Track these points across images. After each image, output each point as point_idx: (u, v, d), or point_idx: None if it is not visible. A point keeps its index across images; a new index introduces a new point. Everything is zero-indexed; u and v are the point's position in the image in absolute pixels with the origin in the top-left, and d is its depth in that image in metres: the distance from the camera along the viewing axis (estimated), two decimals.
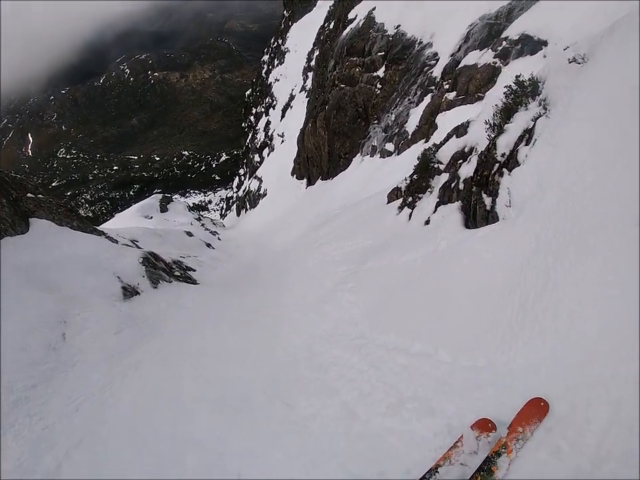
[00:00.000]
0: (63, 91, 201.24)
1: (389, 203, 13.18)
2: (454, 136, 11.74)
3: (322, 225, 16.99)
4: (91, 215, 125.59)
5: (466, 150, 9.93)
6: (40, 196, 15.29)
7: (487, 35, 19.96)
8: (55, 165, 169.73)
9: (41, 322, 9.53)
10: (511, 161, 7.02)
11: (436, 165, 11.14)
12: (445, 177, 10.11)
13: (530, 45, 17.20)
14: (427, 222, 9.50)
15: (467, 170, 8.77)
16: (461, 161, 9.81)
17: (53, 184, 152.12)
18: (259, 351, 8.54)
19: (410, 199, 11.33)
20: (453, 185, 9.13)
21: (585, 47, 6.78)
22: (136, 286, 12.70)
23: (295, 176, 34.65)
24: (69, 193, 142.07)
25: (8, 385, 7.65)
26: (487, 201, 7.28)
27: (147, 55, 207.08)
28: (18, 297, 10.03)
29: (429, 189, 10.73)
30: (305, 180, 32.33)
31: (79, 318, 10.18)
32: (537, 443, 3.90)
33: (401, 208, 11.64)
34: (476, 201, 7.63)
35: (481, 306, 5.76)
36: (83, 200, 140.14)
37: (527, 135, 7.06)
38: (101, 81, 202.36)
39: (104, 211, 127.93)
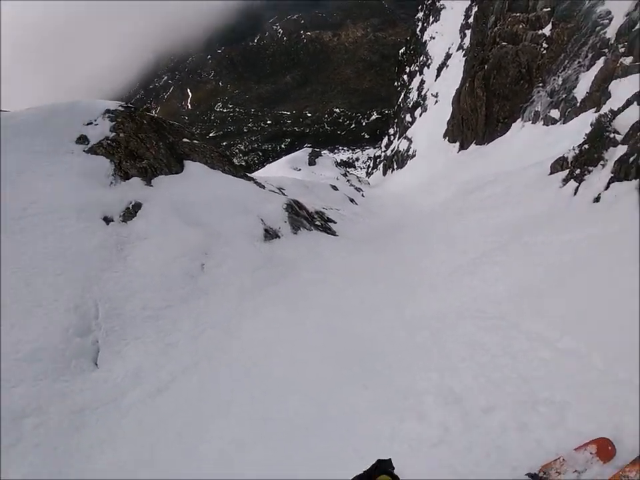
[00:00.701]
0: (220, 51, 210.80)
1: (551, 174, 11.82)
2: (635, 102, 10.08)
3: (472, 191, 15.88)
4: (243, 163, 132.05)
5: None
6: (195, 141, 16.03)
7: None
8: (212, 118, 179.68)
9: (184, 252, 9.94)
10: None
11: (612, 135, 9.64)
12: (622, 150, 8.69)
13: None
14: (597, 199, 8.33)
15: None
16: None
17: (210, 134, 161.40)
18: (389, 312, 8.17)
19: (577, 171, 9.98)
20: (632, 159, 7.81)
21: None
22: (277, 230, 12.90)
23: (447, 138, 33.01)
24: (224, 143, 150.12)
25: (142, 303, 8.07)
26: None
27: (298, 15, 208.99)
28: (165, 228, 10.56)
29: (602, 162, 9.32)
30: (457, 143, 30.64)
31: (219, 252, 10.48)
32: None
33: (565, 180, 10.31)
34: None
35: None
36: (237, 150, 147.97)
37: None
38: (255, 40, 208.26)
39: (256, 161, 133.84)
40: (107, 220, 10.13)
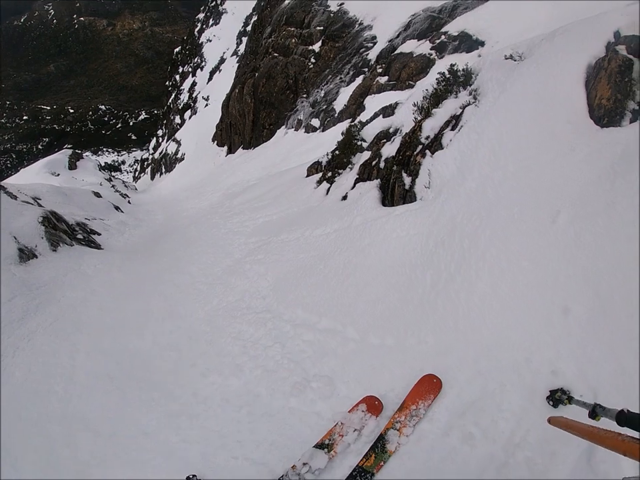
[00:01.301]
0: None
1: (307, 176, 12.99)
2: (380, 116, 11.70)
3: (238, 194, 16.56)
4: (4, 167, 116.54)
5: (391, 130, 9.91)
6: None
7: (427, 27, 20.29)
8: None
9: None
10: (435, 144, 7.03)
11: (359, 143, 11.06)
12: (366, 155, 10.13)
13: (467, 43, 17.71)
14: (344, 197, 9.46)
15: (389, 150, 8.78)
16: (384, 140, 9.79)
17: None
18: (160, 324, 8.05)
19: (329, 173, 11.26)
20: (374, 163, 9.13)
21: (523, 47, 7.00)
22: (34, 248, 11.66)
23: (215, 142, 33.49)
24: None
25: None
26: (407, 180, 7.30)
27: None
28: None
29: (350, 166, 10.68)
30: (225, 147, 31.32)
31: None
32: (447, 428, 3.89)
33: (319, 182, 11.58)
34: (395, 179, 7.59)
35: (393, 284, 5.74)
36: None
37: (454, 121, 7.13)
38: (22, 20, 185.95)
39: (9, 165, 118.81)
40: None
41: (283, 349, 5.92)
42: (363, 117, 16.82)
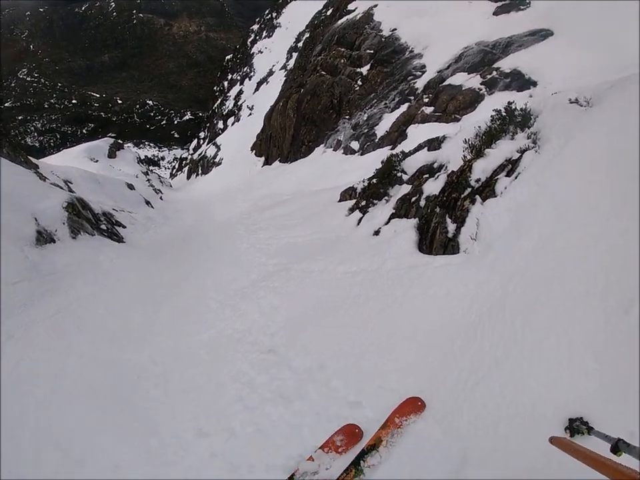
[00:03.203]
0: (41, 9, 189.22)
1: (340, 201, 12.42)
2: (425, 148, 11.06)
3: (267, 208, 16.11)
4: (37, 145, 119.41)
5: (435, 166, 9.20)
6: None
7: (479, 61, 19.81)
8: (13, 85, 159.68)
9: None
10: (487, 190, 6.33)
11: (399, 174, 10.42)
12: (406, 189, 9.42)
13: (519, 82, 17.25)
14: (377, 233, 8.77)
15: (432, 187, 8.05)
16: (427, 175, 9.09)
17: (6, 104, 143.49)
18: (162, 339, 7.49)
19: (364, 202, 10.63)
20: (413, 199, 8.44)
21: (589, 92, 6.27)
22: (53, 232, 11.35)
23: (254, 152, 33.41)
24: (19, 117, 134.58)
25: None
26: (451, 227, 6.61)
27: None
28: None
29: (386, 197, 10.04)
30: (263, 158, 31.19)
31: None
32: None
33: (351, 210, 10.94)
34: (437, 223, 6.88)
35: (423, 356, 4.96)
36: (32, 127, 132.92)
37: (510, 166, 6.38)
38: (83, 8, 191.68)
39: (52, 144, 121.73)
40: None
41: (284, 407, 5.14)
42: (405, 145, 16.32)
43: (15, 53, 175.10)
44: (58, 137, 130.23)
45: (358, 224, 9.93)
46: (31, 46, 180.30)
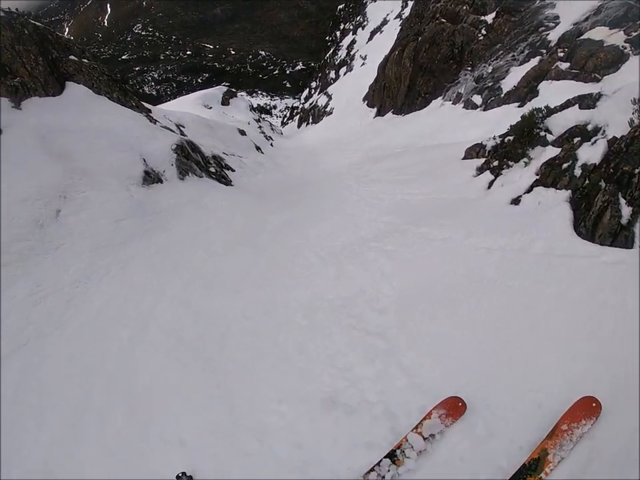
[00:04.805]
0: None
1: (465, 158, 11.02)
2: (576, 105, 9.28)
3: (380, 160, 15.00)
4: (154, 93, 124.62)
5: (589, 128, 7.58)
6: (84, 60, 13.96)
7: (622, 15, 17.18)
8: (129, 39, 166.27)
9: (39, 193, 8.33)
10: None
11: (542, 133, 8.79)
12: (552, 152, 7.78)
13: None
14: (516, 201, 7.26)
15: (589, 154, 6.47)
16: (579, 139, 7.50)
17: (123, 57, 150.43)
18: (257, 289, 6.90)
19: (495, 162, 9.07)
20: (565, 165, 6.85)
21: None
22: (161, 173, 11.32)
23: (366, 102, 32.15)
24: (137, 68, 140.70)
25: None
26: (625, 210, 5.09)
27: None
28: (23, 160, 8.88)
29: (525, 160, 8.41)
30: (375, 109, 29.89)
31: (81, 196, 8.93)
32: None
33: (480, 170, 9.31)
34: (607, 203, 5.30)
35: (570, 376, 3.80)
36: (149, 77, 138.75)
37: None
38: None
39: (168, 92, 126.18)
40: None
41: (388, 420, 3.97)
42: (537, 103, 14.54)
43: (128, 9, 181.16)
44: (174, 85, 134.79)
45: (489, 187, 8.42)
46: (144, 2, 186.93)
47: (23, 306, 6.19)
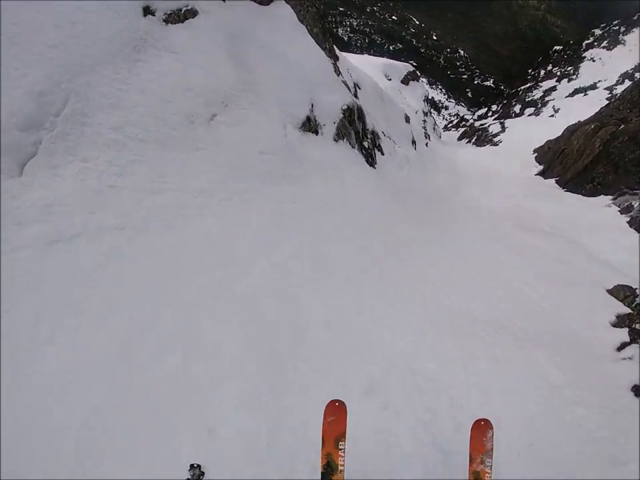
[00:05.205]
0: None
1: (610, 292, 8.91)
2: None
3: (528, 229, 13.23)
4: (345, 39, 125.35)
5: None
6: None
7: None
8: None
9: (204, 88, 8.02)
10: None
11: None
12: None
13: None
14: (637, 390, 5.69)
15: None
16: None
17: None
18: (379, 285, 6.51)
19: (638, 325, 7.31)
20: None
21: None
22: (320, 125, 10.97)
23: (535, 154, 30.00)
24: (341, 9, 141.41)
25: (118, 124, 6.16)
26: None
27: None
28: (206, 49, 8.61)
29: None
30: (541, 166, 27.95)
31: (241, 112, 8.54)
32: None
33: (618, 322, 7.59)
34: None
35: None
36: (347, 22, 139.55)
37: None
38: None
39: (358, 44, 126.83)
40: (147, 11, 7.92)
41: None
42: None
43: None
44: (366, 40, 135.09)
45: (618, 349, 6.75)
46: None
47: (140, 190, 5.87)
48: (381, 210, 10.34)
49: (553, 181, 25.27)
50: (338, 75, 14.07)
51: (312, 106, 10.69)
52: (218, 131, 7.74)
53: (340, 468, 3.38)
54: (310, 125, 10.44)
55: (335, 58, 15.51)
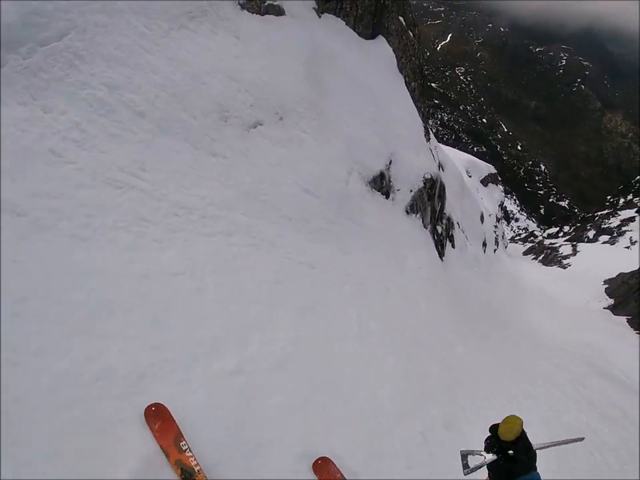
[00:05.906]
0: (502, 29, 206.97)
1: None
2: None
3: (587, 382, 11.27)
4: (433, 131, 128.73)
5: None
6: (410, 32, 12.39)
7: None
8: (447, 74, 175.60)
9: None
10: None
11: None
12: None
13: None
14: None
15: None
16: None
17: (432, 84, 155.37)
18: None
19: None
20: None
21: None
22: (393, 189, 9.07)
23: (605, 286, 26.79)
24: (436, 101, 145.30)
25: None
26: None
27: None
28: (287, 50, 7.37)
29: None
30: (612, 300, 24.91)
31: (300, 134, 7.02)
32: None
33: None
34: None
35: None
36: (439, 116, 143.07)
37: None
38: (537, 49, 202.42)
39: (444, 139, 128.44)
40: None
41: None
42: None
43: (462, 51, 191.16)
44: (452, 137, 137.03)
45: None
46: (478, 54, 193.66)
47: (92, 174, 3.86)
48: (435, 314, 8.13)
49: (624, 319, 22.41)
50: (427, 141, 12.47)
51: (390, 162, 8.84)
52: (254, 143, 5.83)
53: (197, 469, 3.00)
54: (382, 184, 8.54)
55: (426, 122, 14.04)
